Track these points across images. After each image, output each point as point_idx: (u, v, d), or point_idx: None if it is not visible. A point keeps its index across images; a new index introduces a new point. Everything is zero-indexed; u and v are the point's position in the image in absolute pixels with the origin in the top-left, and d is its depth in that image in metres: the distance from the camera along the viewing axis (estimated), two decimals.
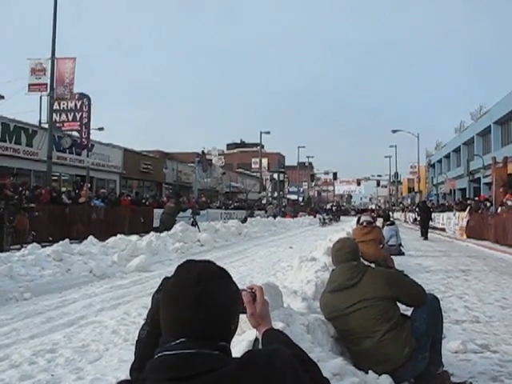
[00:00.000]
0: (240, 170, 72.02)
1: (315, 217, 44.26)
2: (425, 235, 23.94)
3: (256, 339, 1.91)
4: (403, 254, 15.01)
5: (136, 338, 1.91)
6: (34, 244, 10.81)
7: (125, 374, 1.78)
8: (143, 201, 28.22)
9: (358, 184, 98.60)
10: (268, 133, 60.03)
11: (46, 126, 25.48)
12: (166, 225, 17.88)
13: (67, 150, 28.73)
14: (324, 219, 42.24)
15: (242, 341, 3.19)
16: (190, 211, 22.45)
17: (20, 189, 15.94)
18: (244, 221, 30.12)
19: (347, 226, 20.19)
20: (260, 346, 1.85)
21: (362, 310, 3.84)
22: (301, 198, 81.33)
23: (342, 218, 55.84)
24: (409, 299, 3.98)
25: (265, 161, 71.99)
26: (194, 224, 20.64)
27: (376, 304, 3.82)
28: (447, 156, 59.21)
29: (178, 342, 1.44)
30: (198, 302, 1.45)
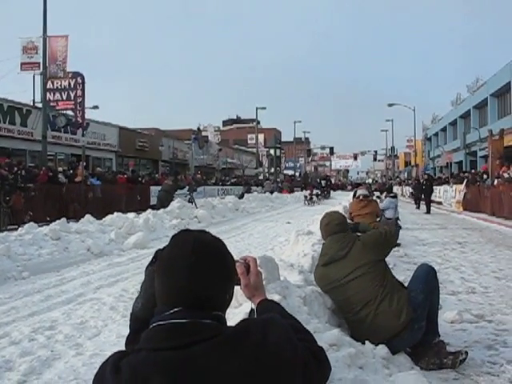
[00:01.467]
0: (236, 146, 71.73)
1: (312, 192, 38.53)
2: (428, 210, 23.83)
3: (252, 310, 1.91)
4: (400, 227, 15.04)
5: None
6: (31, 223, 10.81)
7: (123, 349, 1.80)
8: (139, 178, 28.15)
9: (355, 158, 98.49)
10: (264, 108, 59.74)
11: (40, 105, 25.27)
12: (163, 202, 17.87)
13: (62, 129, 28.51)
14: (310, 196, 34.87)
15: (239, 313, 3.21)
16: (187, 188, 22.45)
17: (15, 168, 15.92)
18: (241, 197, 30.14)
19: (344, 201, 20.20)
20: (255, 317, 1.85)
21: (358, 278, 3.91)
22: (298, 174, 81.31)
23: (335, 192, 55.04)
24: (388, 248, 4.25)
25: (261, 136, 71.66)
26: (191, 201, 20.66)
27: (370, 270, 3.93)
28: (444, 129, 59.01)
29: (172, 311, 1.44)
30: (193, 271, 1.45)
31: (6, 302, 6.46)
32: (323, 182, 47.76)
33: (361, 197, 10.84)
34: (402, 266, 8.33)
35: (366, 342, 3.67)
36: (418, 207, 26.76)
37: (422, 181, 27.83)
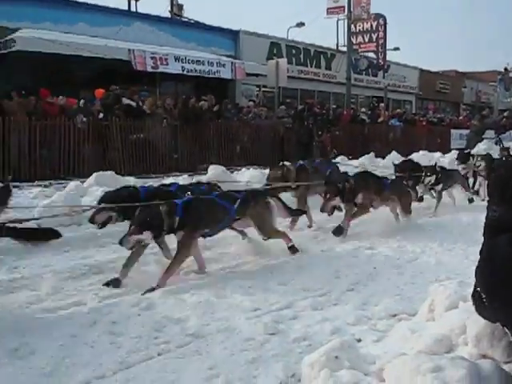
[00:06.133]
0: None
1: None
2: None
3: None
4: None
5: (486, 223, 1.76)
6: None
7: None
8: (441, 121, 27.24)
9: None
10: None
11: (343, 48, 26.08)
12: (470, 143, 17.55)
13: (363, 72, 29.10)
14: None
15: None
16: (493, 131, 21.30)
17: (326, 107, 16.89)
18: None
19: None
20: None
21: None
22: None
23: None
24: None
25: None
26: (499, 143, 19.48)
27: None
28: None
29: None
30: None
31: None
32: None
33: None
34: None
35: None
36: None
37: None
